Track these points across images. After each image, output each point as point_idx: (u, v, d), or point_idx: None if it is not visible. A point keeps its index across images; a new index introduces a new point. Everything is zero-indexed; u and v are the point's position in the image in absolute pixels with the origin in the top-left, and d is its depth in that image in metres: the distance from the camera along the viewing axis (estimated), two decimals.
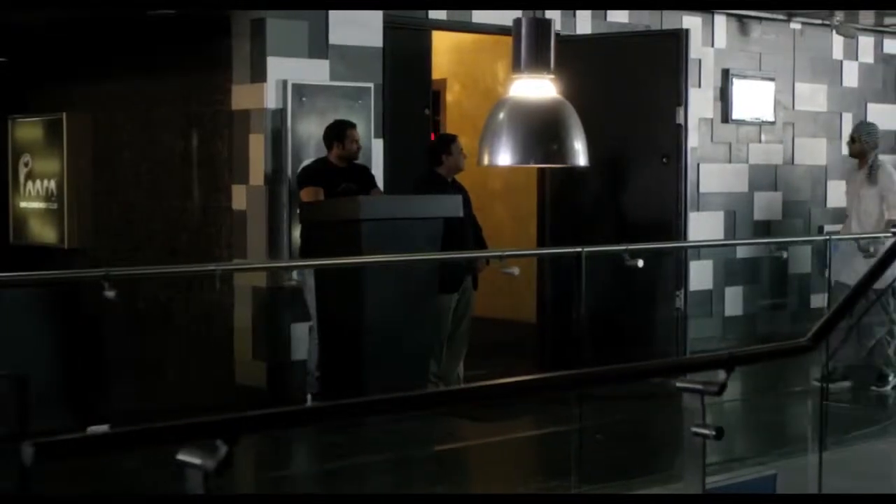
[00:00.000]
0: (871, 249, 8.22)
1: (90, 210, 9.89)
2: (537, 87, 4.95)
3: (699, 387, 3.23)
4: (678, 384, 3.29)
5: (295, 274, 8.07)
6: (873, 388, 8.69)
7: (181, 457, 2.44)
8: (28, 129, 10.35)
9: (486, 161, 4.96)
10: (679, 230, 8.99)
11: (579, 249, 6.06)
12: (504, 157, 4.90)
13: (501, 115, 4.91)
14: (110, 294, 4.77)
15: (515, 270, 5.93)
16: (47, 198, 10.06)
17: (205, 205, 8.80)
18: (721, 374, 3.23)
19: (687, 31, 9.11)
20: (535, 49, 4.91)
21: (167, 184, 9.23)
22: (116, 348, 8.09)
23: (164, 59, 9.22)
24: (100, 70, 9.84)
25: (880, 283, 8.22)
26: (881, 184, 8.67)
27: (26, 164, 10.30)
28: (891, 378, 8.73)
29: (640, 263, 6.12)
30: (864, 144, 8.77)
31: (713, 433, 3.21)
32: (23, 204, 10.37)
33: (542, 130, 4.92)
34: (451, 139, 8.34)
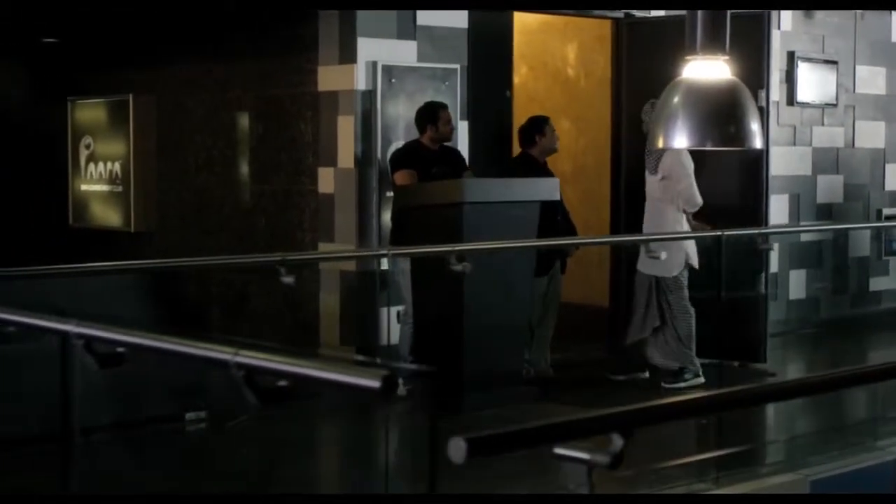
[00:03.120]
0: (650, 248, 7.18)
1: (156, 194, 9.74)
2: (712, 69, 4.86)
3: None
4: None
5: (386, 261, 7.95)
6: (664, 384, 7.96)
7: (560, 451, 2.35)
8: (90, 111, 10.17)
9: (660, 143, 4.89)
10: (760, 214, 8.91)
11: (719, 233, 6.00)
12: (680, 139, 4.83)
13: (677, 98, 4.84)
14: (288, 280, 4.68)
15: (663, 255, 5.86)
16: (111, 180, 9.88)
17: (286, 188, 8.67)
18: None
19: (769, 13, 9.03)
20: (711, 30, 4.83)
21: (241, 167, 9.09)
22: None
23: (237, 41, 9.05)
24: (165, 52, 9.65)
25: (661, 271, 7.60)
26: (661, 171, 7.92)
27: (87, 147, 10.11)
28: (687, 375, 7.98)
29: (775, 247, 6.06)
30: (648, 125, 7.62)
31: None
32: (83, 186, 10.18)
33: (718, 112, 4.85)
34: (545, 120, 8.24)
